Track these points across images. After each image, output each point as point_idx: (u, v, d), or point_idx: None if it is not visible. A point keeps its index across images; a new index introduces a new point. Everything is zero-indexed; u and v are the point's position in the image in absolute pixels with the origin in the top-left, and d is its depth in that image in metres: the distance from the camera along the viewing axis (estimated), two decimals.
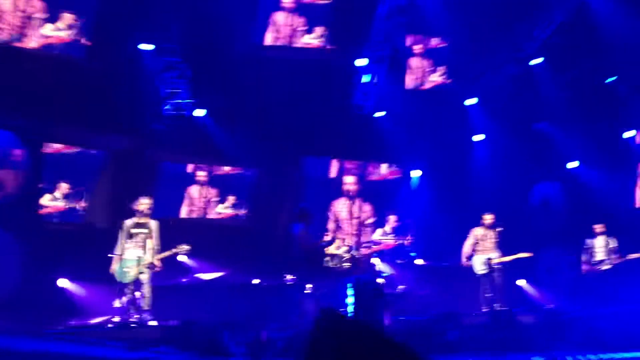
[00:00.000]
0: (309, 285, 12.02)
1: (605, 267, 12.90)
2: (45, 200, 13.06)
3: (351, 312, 9.42)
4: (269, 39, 15.55)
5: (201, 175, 15.00)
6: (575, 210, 15.39)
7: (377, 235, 15.20)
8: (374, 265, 12.84)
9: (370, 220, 15.51)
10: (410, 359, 2.27)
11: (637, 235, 13.77)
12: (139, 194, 10.87)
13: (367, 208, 15.62)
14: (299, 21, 15.70)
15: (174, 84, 13.68)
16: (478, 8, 14.86)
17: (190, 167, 15.10)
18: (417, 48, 16.74)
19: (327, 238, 12.12)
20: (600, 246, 13.05)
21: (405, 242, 14.76)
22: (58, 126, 13.07)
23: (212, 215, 14.85)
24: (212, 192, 15.00)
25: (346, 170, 16.25)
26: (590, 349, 8.07)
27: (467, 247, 12.62)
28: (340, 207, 14.89)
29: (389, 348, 2.26)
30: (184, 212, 14.76)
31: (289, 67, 14.91)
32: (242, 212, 15.14)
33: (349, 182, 15.65)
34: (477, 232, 12.45)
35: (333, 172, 16.15)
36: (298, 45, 15.68)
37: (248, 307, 11.04)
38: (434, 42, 16.91)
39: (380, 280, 12.51)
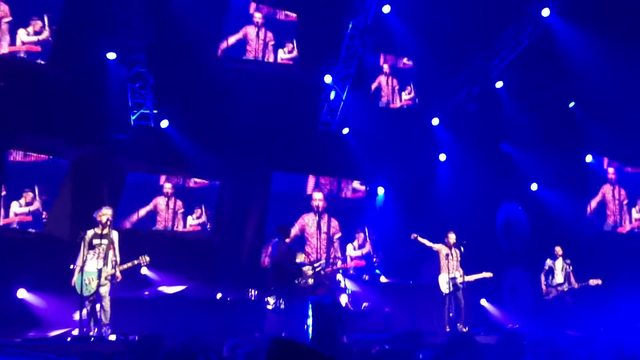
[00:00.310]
0: (271, 301, 11.97)
1: (563, 288, 13.06)
2: (14, 208, 12.73)
3: (310, 333, 9.37)
4: (238, 51, 15.51)
5: (167, 187, 14.80)
6: (537, 231, 15.63)
7: (350, 250, 15.25)
8: (338, 282, 12.82)
9: (338, 235, 15.54)
10: None
11: (595, 258, 14.07)
12: (102, 204, 10.66)
13: (335, 224, 15.66)
14: (269, 36, 15.72)
15: (139, 94, 13.53)
16: (444, 29, 15.11)
17: (161, 179, 14.86)
18: (385, 67, 16.90)
19: (300, 259, 12.01)
20: (560, 269, 13.23)
21: (374, 259, 14.82)
22: (22, 133, 12.77)
23: (180, 227, 14.64)
24: (178, 204, 14.79)
25: (318, 186, 16.22)
26: None
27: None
28: (309, 221, 14.87)
29: None
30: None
31: (258, 81, 14.90)
32: (209, 224, 14.97)
33: (318, 198, 15.68)
34: (442, 250, 12.45)
35: (309, 188, 16.10)
36: (269, 59, 15.69)
37: (210, 322, 10.88)
38: (401, 61, 17.12)
39: (343, 298, 12.51)
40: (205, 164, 14.47)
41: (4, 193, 12.66)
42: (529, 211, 16.22)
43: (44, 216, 13.03)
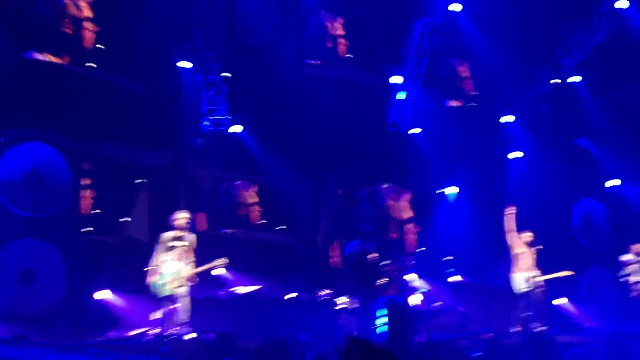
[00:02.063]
0: (343, 301, 12.07)
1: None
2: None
3: (383, 333, 9.43)
4: (308, 56, 15.66)
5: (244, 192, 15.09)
6: (616, 228, 15.13)
7: None
8: (410, 281, 12.79)
9: None
10: None
11: None
12: (178, 208, 11.03)
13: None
14: (340, 41, 15.78)
15: (213, 101, 13.91)
16: (515, 25, 14.84)
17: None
18: (455, 66, 16.72)
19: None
20: (637, 267, 12.78)
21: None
22: (100, 142, 13.33)
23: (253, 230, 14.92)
24: (254, 208, 15.05)
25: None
26: None
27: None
28: None
29: None
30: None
31: (326, 84, 15.02)
32: (280, 227, 15.18)
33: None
34: (518, 247, 12.17)
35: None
36: (336, 62, 15.80)
37: (283, 321, 11.06)
38: (471, 60, 16.88)
39: (416, 297, 12.46)
40: (278, 168, 14.70)
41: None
42: (609, 208, 15.71)
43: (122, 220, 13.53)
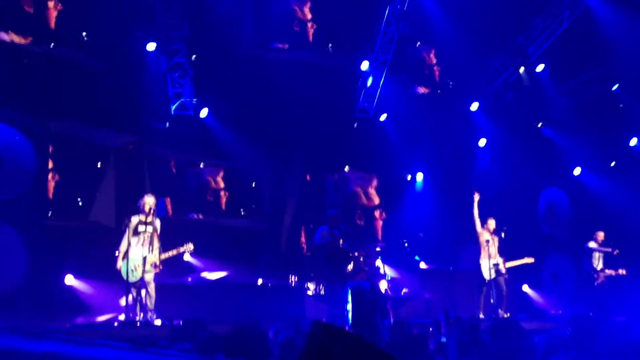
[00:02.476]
0: (311, 287, 12.07)
1: (606, 274, 12.90)
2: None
3: (350, 319, 9.43)
4: (275, 39, 15.54)
5: (211, 177, 14.96)
6: (580, 216, 15.42)
7: None
8: (378, 268, 12.83)
9: None
10: None
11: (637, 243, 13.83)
12: (144, 192, 10.86)
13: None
14: (307, 24, 15.68)
15: (179, 84, 13.70)
16: (481, 14, 14.92)
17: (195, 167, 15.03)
18: (423, 53, 16.76)
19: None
20: (601, 254, 13.05)
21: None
22: (64, 124, 13.04)
23: (221, 215, 14.82)
24: (221, 193, 14.95)
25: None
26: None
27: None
28: None
29: None
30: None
31: (294, 68, 14.93)
32: (245, 212, 15.10)
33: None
34: (483, 235, 12.28)
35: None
36: (303, 46, 15.70)
37: (251, 307, 11.01)
38: (438, 46, 16.94)
39: (382, 283, 12.52)
40: (244, 152, 14.59)
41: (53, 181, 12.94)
42: (571, 196, 15.99)
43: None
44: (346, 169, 15.96)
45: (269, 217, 15.04)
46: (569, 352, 8.49)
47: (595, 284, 12.86)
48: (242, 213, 15.03)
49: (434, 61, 16.82)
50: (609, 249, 12.89)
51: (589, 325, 9.26)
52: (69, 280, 11.77)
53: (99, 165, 13.60)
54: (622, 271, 12.82)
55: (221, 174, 14.97)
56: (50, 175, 12.75)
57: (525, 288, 14.46)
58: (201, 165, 14.90)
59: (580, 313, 11.09)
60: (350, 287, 9.72)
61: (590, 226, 13.60)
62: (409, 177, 16.18)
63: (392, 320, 9.86)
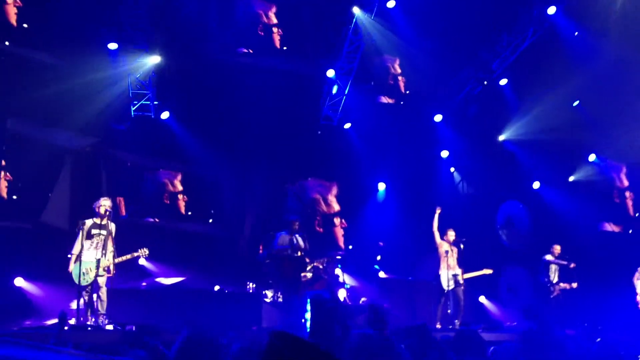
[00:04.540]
0: (269, 294, 11.93)
1: (561, 287, 13.04)
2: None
3: (308, 328, 9.30)
4: (240, 45, 15.44)
5: (169, 180, 14.75)
6: (537, 229, 15.58)
7: None
8: (337, 276, 12.77)
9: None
10: None
11: (594, 258, 14.01)
12: (100, 194, 10.62)
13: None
14: (273, 30, 15.62)
15: (140, 85, 13.49)
16: (448, 27, 15.03)
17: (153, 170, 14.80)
18: (387, 63, 16.82)
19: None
20: (557, 268, 13.18)
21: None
22: (20, 122, 12.71)
23: (179, 220, 14.62)
24: (179, 197, 14.75)
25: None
26: None
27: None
28: None
29: None
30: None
31: (258, 74, 14.84)
32: (204, 218, 14.92)
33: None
34: (443, 246, 12.30)
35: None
36: (268, 52, 15.64)
37: (207, 313, 10.81)
38: (404, 57, 17.01)
39: (341, 292, 12.46)
40: (204, 156, 14.42)
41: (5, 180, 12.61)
42: (530, 209, 16.17)
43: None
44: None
45: (228, 223, 14.88)
46: None
47: (551, 296, 12.98)
48: (201, 218, 14.83)
49: (399, 71, 16.89)
50: (565, 262, 13.03)
51: (537, 338, 9.34)
52: (19, 282, 11.44)
53: (54, 166, 13.27)
54: (574, 285, 12.99)
55: (179, 177, 14.78)
56: (2, 174, 12.40)
57: (482, 299, 14.54)
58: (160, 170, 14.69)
59: (529, 327, 11.17)
60: (310, 297, 9.61)
61: (547, 239, 13.73)
62: (371, 187, 16.19)
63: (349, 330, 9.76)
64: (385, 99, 16.59)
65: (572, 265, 12.97)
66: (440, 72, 16.01)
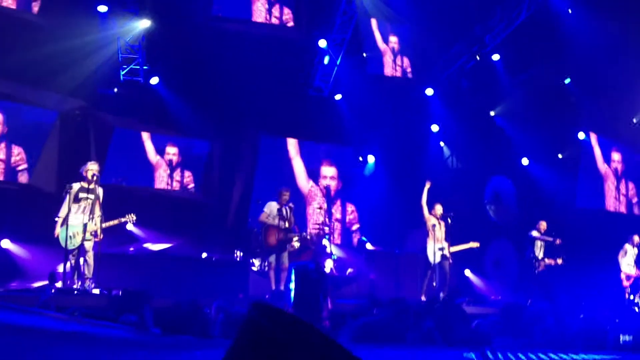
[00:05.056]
0: (256, 263, 11.96)
1: (546, 263, 13.15)
2: None
3: (292, 298, 9.34)
4: (233, 11, 15.26)
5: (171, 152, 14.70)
6: (524, 205, 15.68)
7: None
8: (324, 247, 12.81)
9: (356, 227, 15.59)
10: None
11: (580, 235, 14.13)
12: (88, 158, 10.54)
13: (351, 209, 15.65)
14: None
15: (130, 49, 13.32)
16: (442, 1, 14.94)
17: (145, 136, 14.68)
18: (388, 39, 16.72)
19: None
20: (542, 244, 13.27)
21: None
22: (8, 83, 12.54)
23: (164, 186, 14.55)
24: (168, 163, 14.69)
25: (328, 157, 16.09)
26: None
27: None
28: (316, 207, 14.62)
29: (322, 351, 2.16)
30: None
31: (251, 42, 14.70)
32: (193, 184, 14.85)
33: (329, 175, 15.64)
34: (430, 220, 12.34)
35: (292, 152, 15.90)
36: (261, 20, 15.48)
37: (194, 281, 10.84)
38: (396, 29, 16.91)
39: (329, 262, 12.51)
40: (194, 123, 14.33)
41: None
42: (518, 185, 16.25)
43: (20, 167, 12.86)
44: None
45: (218, 190, 14.84)
46: (504, 337, 8.63)
47: (536, 272, 13.09)
48: (190, 185, 14.78)
49: (392, 44, 16.79)
50: (551, 239, 13.12)
51: (516, 312, 9.47)
52: (5, 243, 11.39)
53: (42, 129, 13.15)
54: (559, 260, 13.09)
55: (169, 143, 14.69)
56: None
57: (468, 273, 14.65)
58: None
59: (510, 301, 11.32)
60: (294, 267, 9.63)
61: (534, 215, 13.82)
62: (360, 159, 16.16)
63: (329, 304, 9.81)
64: (377, 72, 16.51)
65: (558, 241, 13.06)
66: (433, 45, 15.94)
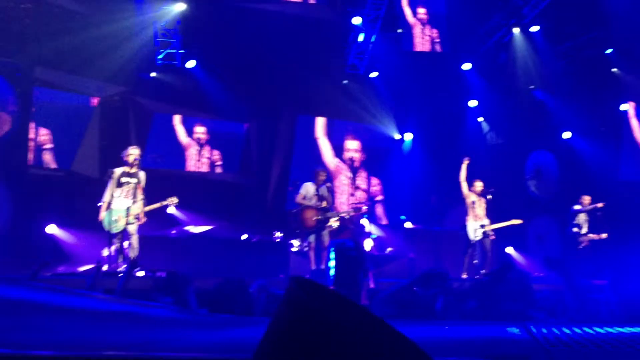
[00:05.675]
0: (296, 243, 12.01)
1: (590, 238, 12.94)
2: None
3: (332, 276, 9.36)
4: None
5: (200, 131, 14.82)
6: (567, 180, 15.41)
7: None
8: (362, 226, 12.80)
9: (380, 198, 15.57)
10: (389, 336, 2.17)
11: (625, 209, 13.84)
12: (128, 143, 10.68)
13: (376, 182, 15.65)
14: None
15: (166, 33, 13.42)
16: None
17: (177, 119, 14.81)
18: (416, 11, 16.52)
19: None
20: (586, 218, 13.04)
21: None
22: (48, 70, 12.75)
23: (206, 169, 14.72)
24: (206, 147, 14.84)
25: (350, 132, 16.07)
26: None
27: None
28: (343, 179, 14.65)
29: (367, 328, 2.16)
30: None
31: (284, 22, 14.66)
32: (220, 162, 14.98)
33: (353, 148, 15.61)
34: (470, 197, 12.19)
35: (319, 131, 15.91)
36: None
37: (235, 262, 10.95)
38: (432, 5, 16.70)
39: (368, 242, 12.50)
40: (230, 106, 14.40)
41: (33, 131, 12.74)
42: (559, 159, 15.96)
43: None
44: None
45: (256, 172, 14.94)
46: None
47: (579, 247, 12.89)
48: (228, 168, 14.90)
49: (427, 19, 16.59)
50: (593, 206, 12.85)
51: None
52: (51, 229, 11.64)
53: (83, 115, 13.36)
54: (603, 235, 12.86)
55: (197, 124, 14.83)
56: (33, 124, 12.51)
57: (510, 250, 14.50)
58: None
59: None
60: (333, 245, 9.65)
61: (576, 190, 13.56)
62: (398, 137, 16.06)
63: (371, 283, 9.83)
64: (410, 48, 16.34)
65: (601, 204, 12.78)
66: (469, 19, 15.68)
